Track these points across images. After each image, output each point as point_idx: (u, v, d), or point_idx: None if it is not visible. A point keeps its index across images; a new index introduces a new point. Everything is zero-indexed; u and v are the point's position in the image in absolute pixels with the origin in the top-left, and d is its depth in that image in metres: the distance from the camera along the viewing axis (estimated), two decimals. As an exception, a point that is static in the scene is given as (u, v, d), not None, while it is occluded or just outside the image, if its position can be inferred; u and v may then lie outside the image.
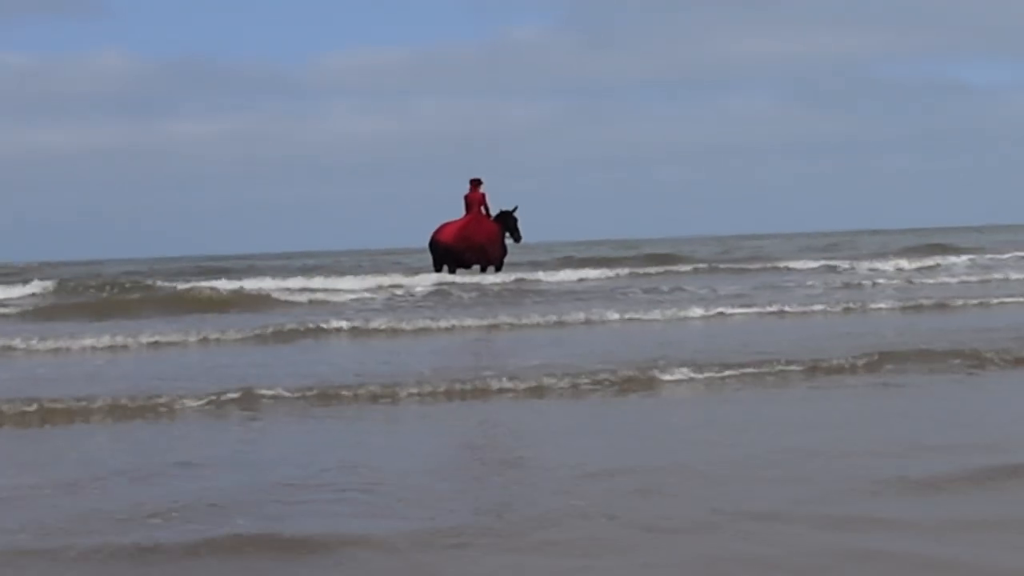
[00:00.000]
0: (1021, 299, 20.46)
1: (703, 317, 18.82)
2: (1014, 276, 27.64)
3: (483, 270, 30.60)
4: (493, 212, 30.50)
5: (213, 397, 10.45)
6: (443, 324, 17.82)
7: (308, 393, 10.66)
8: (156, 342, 16.02)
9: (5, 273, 43.41)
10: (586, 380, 11.07)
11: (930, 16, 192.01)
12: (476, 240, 30.27)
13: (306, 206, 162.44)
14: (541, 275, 30.99)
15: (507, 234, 30.47)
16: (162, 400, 10.36)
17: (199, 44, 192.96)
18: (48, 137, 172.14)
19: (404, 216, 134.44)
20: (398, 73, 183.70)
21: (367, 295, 25.67)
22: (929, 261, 35.45)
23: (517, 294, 25.11)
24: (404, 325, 17.51)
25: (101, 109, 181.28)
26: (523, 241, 30.77)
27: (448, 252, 30.28)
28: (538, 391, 10.82)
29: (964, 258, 37.05)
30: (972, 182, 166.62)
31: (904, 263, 34.64)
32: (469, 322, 18.10)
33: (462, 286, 26.39)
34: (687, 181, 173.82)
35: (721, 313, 19.10)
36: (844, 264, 35.05)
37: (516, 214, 30.48)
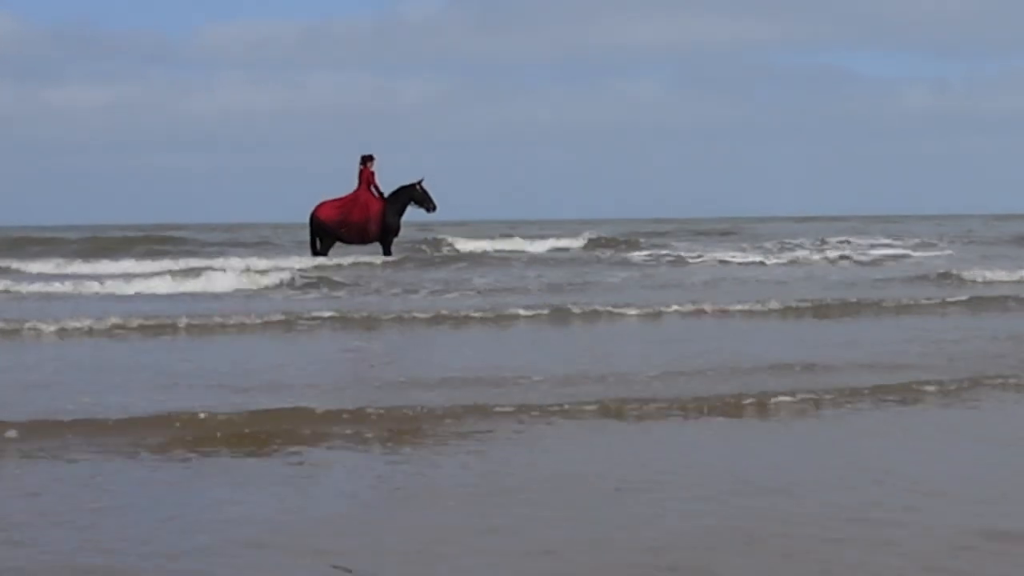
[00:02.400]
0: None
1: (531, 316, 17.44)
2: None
3: (386, 252, 29.53)
4: (389, 189, 29.65)
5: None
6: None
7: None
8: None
9: None
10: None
11: (822, 6, 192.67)
12: (353, 218, 29.41)
13: (193, 178, 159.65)
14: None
15: (415, 207, 29.61)
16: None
17: (83, 10, 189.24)
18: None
19: (292, 191, 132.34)
20: (287, 47, 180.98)
21: None
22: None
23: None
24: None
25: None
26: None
27: (322, 228, 29.65)
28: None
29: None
30: (861, 171, 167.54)
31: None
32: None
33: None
34: (576, 163, 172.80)
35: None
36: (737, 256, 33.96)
37: (423, 186, 29.58)
